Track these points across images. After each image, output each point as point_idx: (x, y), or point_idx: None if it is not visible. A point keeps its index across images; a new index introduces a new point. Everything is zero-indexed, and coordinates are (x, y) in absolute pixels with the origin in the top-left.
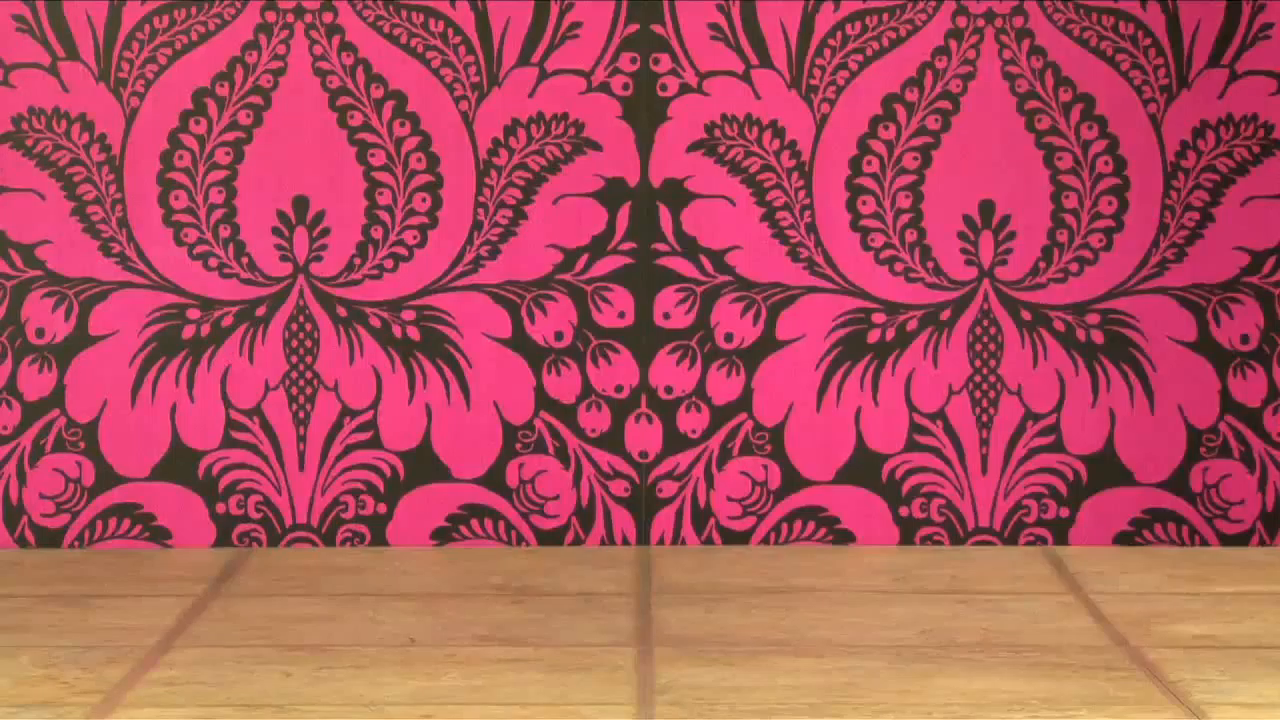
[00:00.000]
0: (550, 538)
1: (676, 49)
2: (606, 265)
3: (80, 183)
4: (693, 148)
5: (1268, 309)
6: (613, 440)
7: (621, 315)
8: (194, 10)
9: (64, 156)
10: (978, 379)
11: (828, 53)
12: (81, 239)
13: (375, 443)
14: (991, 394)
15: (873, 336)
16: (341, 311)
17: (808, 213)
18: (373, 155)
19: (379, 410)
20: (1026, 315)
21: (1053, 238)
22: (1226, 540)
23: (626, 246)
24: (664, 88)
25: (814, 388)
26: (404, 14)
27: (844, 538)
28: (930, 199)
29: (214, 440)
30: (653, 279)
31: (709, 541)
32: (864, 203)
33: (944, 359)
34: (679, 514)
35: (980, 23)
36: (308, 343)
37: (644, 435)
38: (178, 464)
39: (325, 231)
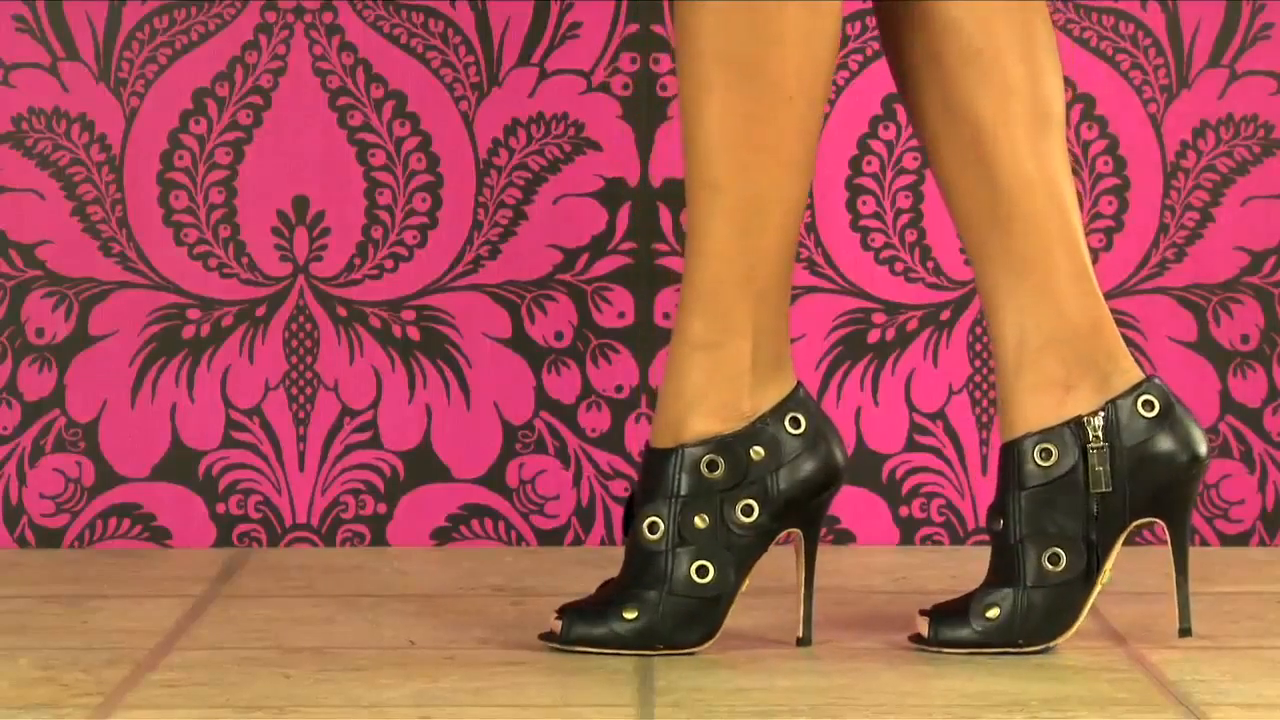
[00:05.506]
0: (550, 538)
1: None
2: (606, 265)
3: (80, 183)
4: None
5: (1268, 309)
6: (613, 440)
7: (621, 315)
8: (194, 10)
9: (64, 156)
10: (978, 379)
11: None
12: (81, 239)
13: (375, 443)
14: (991, 394)
15: (873, 336)
16: (341, 311)
17: (808, 212)
18: (373, 155)
19: (379, 410)
20: None
21: None
22: (1226, 540)
23: (626, 246)
24: (664, 88)
25: (814, 388)
26: (404, 14)
27: (844, 538)
28: (930, 199)
29: (214, 440)
30: (653, 279)
31: None
32: (864, 203)
33: (944, 359)
34: None
35: None
36: (308, 343)
37: (644, 435)
38: (178, 464)
39: (325, 231)
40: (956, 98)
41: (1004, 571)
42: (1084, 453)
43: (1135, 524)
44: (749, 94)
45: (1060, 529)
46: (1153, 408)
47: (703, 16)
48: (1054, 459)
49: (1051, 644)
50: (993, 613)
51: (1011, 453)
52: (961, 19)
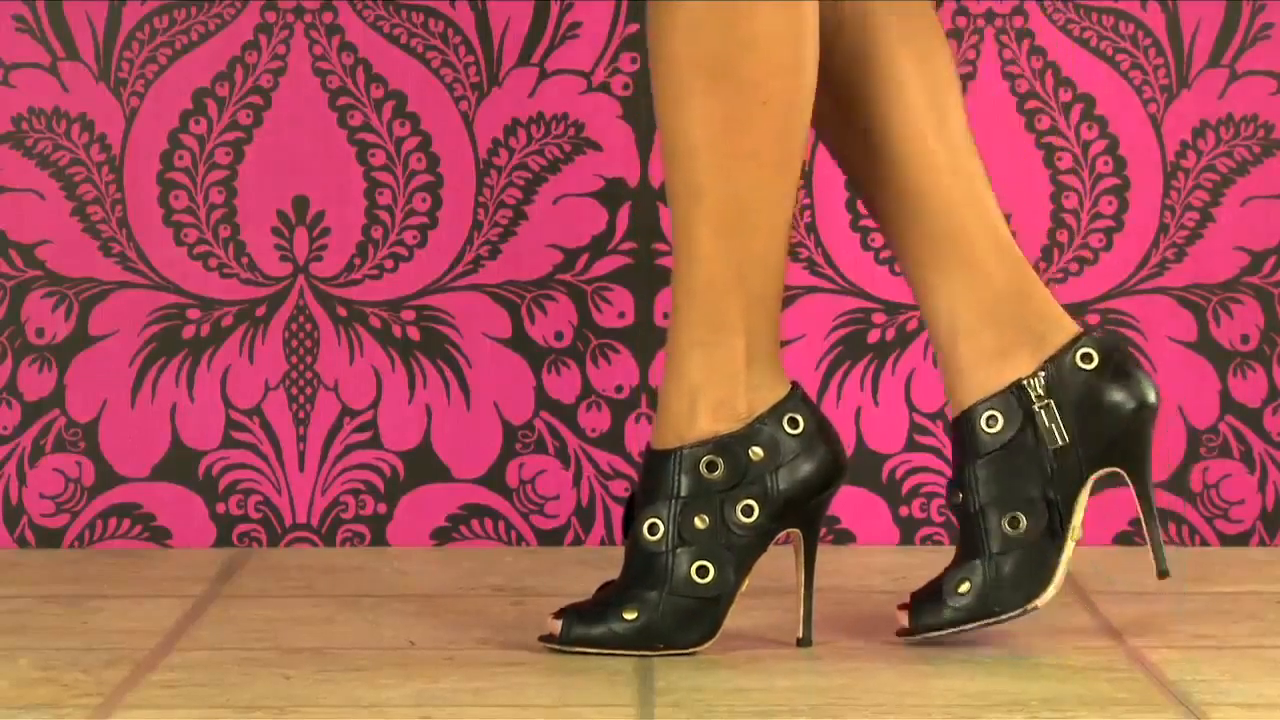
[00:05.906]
0: (550, 538)
1: None
2: (606, 265)
3: (80, 183)
4: None
5: (1268, 309)
6: (613, 440)
7: (621, 315)
8: (194, 10)
9: (64, 156)
10: None
11: None
12: (81, 239)
13: (375, 443)
14: None
15: (873, 336)
16: (341, 311)
17: (807, 212)
18: (373, 155)
19: (379, 410)
20: None
21: (1053, 238)
22: (1226, 540)
23: (626, 246)
24: None
25: (814, 388)
26: (404, 14)
27: (844, 538)
28: None
29: (214, 440)
30: (653, 279)
31: None
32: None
33: None
34: None
35: (980, 22)
36: (308, 343)
37: (644, 435)
38: (178, 464)
39: (325, 231)
40: (847, 96)
41: (969, 545)
42: (1029, 414)
43: (1095, 476)
44: (725, 98)
45: (1017, 492)
46: (1091, 360)
47: (677, 20)
48: (1001, 425)
49: (1029, 607)
50: (964, 588)
51: (961, 426)
52: (843, 19)
